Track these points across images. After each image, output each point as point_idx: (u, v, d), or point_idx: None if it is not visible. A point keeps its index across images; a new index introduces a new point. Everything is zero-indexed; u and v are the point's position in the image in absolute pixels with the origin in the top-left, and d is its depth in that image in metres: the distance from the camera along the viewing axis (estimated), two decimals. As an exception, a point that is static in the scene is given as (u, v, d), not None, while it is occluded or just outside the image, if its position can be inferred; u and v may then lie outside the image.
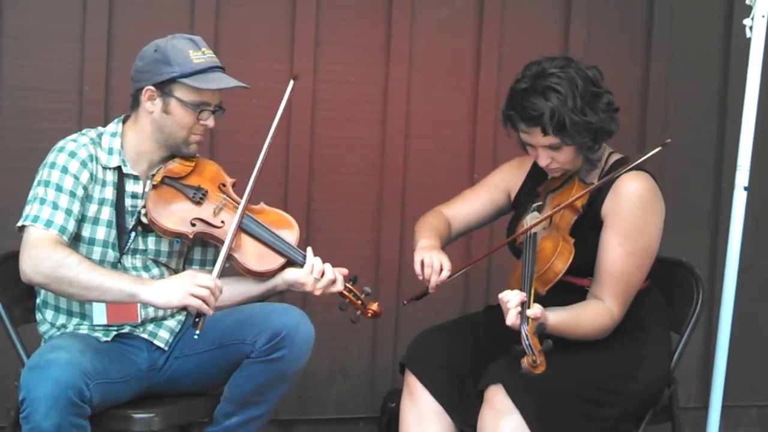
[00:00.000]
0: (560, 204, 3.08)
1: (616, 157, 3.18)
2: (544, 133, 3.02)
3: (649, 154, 3.05)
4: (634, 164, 3.06)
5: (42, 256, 2.89)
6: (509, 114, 3.10)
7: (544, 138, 3.04)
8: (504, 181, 3.36)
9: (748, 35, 3.46)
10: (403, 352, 3.24)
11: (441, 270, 3.09)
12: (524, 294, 2.83)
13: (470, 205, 3.36)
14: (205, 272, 3.05)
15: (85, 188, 3.03)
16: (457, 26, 4.12)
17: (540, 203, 3.18)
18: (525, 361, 2.71)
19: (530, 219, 3.15)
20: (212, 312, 2.91)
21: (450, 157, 4.14)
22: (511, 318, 2.80)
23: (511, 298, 2.82)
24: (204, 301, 2.88)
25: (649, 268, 3.10)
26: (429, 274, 3.09)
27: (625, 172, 3.05)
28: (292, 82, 3.15)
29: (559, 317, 2.92)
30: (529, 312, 2.79)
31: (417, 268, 3.12)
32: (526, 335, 2.74)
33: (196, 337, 2.89)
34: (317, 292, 3.09)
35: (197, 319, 2.89)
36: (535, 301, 2.84)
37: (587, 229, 3.09)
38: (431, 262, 3.10)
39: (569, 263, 2.99)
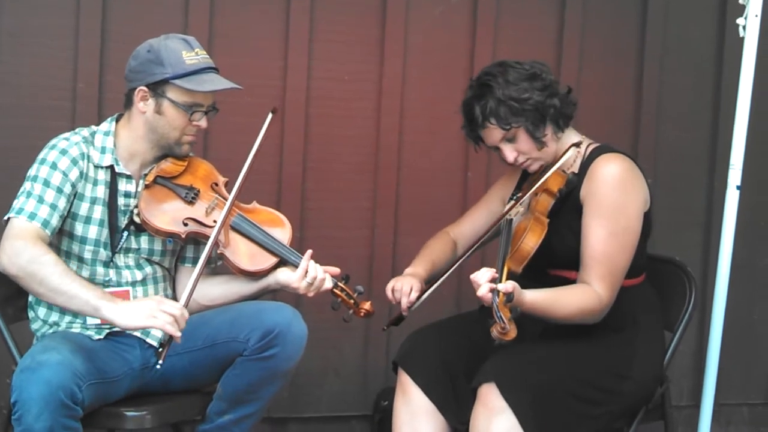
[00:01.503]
0: (537, 189, 3.11)
1: (594, 145, 3.20)
2: (482, 126, 3.10)
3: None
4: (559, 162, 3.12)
5: (20, 247, 2.88)
6: (463, 126, 3.20)
7: (489, 132, 3.11)
8: (499, 192, 3.40)
9: (741, 34, 3.46)
10: (396, 351, 3.25)
11: (411, 292, 3.17)
12: (494, 270, 2.87)
13: (473, 222, 3.41)
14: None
15: (73, 185, 3.03)
16: (452, 24, 4.12)
17: (520, 194, 3.21)
18: (495, 330, 2.75)
19: (507, 207, 3.19)
20: (179, 335, 2.84)
21: (444, 155, 4.14)
22: (482, 291, 2.84)
23: (481, 275, 2.86)
24: (167, 324, 2.83)
25: (633, 249, 3.09)
26: (399, 298, 3.17)
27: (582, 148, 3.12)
28: (270, 116, 3.12)
29: (537, 295, 2.94)
30: (500, 286, 2.82)
31: (388, 294, 3.20)
32: (497, 306, 2.78)
33: (158, 367, 2.86)
34: (309, 294, 3.10)
35: (160, 349, 2.87)
36: (510, 279, 2.88)
37: (571, 216, 3.11)
38: (401, 287, 3.18)
39: (541, 239, 3.02)
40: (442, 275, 3.21)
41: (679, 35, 4.30)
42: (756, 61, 3.46)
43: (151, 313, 2.83)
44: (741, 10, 3.46)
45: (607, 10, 4.27)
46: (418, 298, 3.17)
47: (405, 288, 3.18)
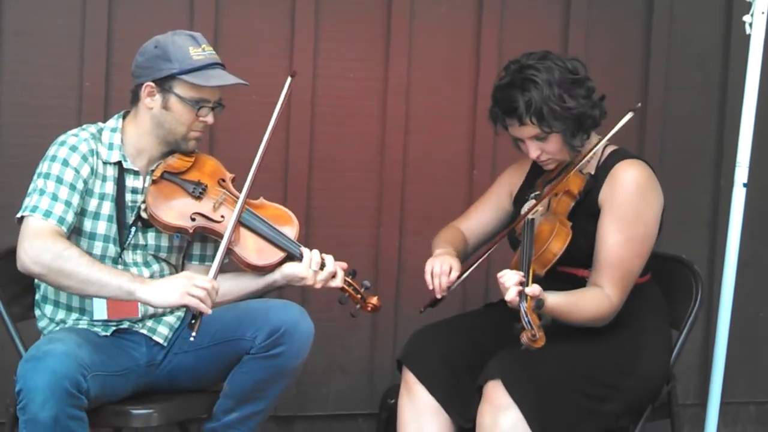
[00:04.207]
0: (557, 190, 3.11)
1: (612, 148, 3.20)
2: (521, 122, 3.07)
3: (622, 122, 3.09)
4: (608, 136, 3.10)
5: (42, 246, 2.89)
6: (493, 111, 3.15)
7: (525, 128, 3.09)
8: (506, 184, 3.39)
9: (747, 32, 3.46)
10: (402, 349, 3.24)
11: (450, 272, 3.13)
12: (522, 273, 2.87)
13: (479, 215, 3.39)
14: (203, 270, 3.07)
15: (85, 182, 3.03)
16: (457, 22, 4.12)
17: (538, 192, 3.21)
18: (524, 336, 2.74)
19: (527, 207, 3.18)
20: (210, 312, 2.90)
21: (449, 153, 4.14)
22: (511, 295, 2.83)
23: (509, 277, 2.86)
24: (201, 300, 2.87)
25: (647, 256, 3.11)
26: (438, 282, 3.13)
27: (600, 145, 3.11)
28: (289, 79, 3.15)
29: (557, 299, 2.94)
30: (527, 290, 2.82)
31: (427, 278, 3.15)
32: (525, 312, 2.78)
33: (192, 338, 2.88)
34: (318, 285, 3.09)
35: (193, 321, 2.89)
36: (533, 282, 2.88)
37: (586, 218, 3.11)
38: (440, 266, 3.14)
39: (566, 244, 3.02)
40: (473, 261, 3.20)
41: (684, 32, 4.28)
42: (762, 58, 3.47)
43: (185, 290, 2.87)
44: (747, 7, 3.46)
45: (613, 8, 4.26)
46: (458, 277, 3.14)
47: (444, 267, 3.14)
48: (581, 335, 3.07)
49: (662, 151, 4.27)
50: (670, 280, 3.33)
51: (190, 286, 2.88)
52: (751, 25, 3.44)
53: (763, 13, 3.42)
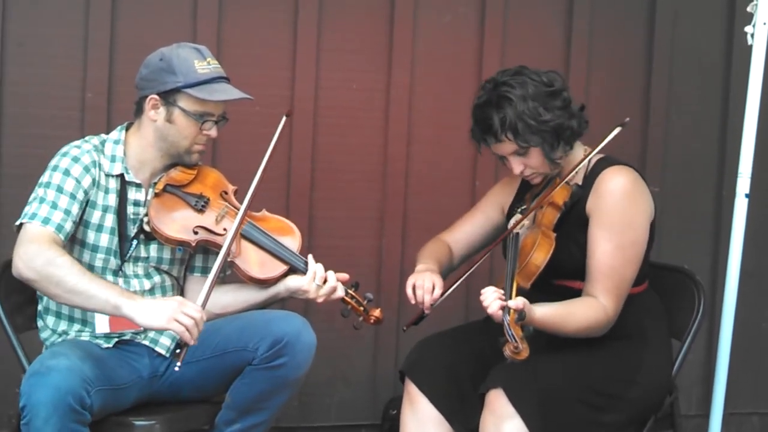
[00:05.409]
0: (542, 203, 3.11)
1: (598, 156, 3.19)
2: (497, 139, 3.08)
3: (610, 137, 3.09)
4: (597, 149, 3.11)
5: (36, 250, 2.87)
6: (473, 130, 3.16)
7: (503, 145, 3.09)
8: (497, 199, 3.39)
9: (749, 42, 3.46)
10: (405, 360, 3.24)
11: (433, 289, 3.13)
12: (501, 291, 2.87)
13: (468, 228, 3.39)
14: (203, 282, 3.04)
15: (86, 192, 3.03)
16: (459, 33, 4.13)
17: (525, 206, 3.21)
18: (507, 349, 2.75)
19: (513, 221, 3.19)
20: (194, 342, 2.85)
21: (452, 163, 4.14)
22: (493, 308, 2.83)
23: (488, 294, 2.86)
24: (187, 329, 2.83)
25: (639, 262, 3.10)
26: (421, 296, 3.13)
27: (592, 155, 3.11)
28: (284, 119, 3.15)
29: (547, 310, 2.94)
30: (511, 303, 2.82)
31: (409, 291, 3.16)
32: (508, 325, 2.78)
33: (177, 368, 2.84)
34: (320, 299, 3.10)
35: (178, 350, 2.86)
36: (518, 295, 2.87)
37: (576, 229, 3.10)
38: (422, 283, 3.14)
39: (550, 255, 3.02)
40: (458, 276, 3.19)
41: (686, 43, 4.30)
42: (764, 69, 3.46)
43: (172, 316, 2.83)
44: (749, 18, 3.46)
45: (615, 19, 4.27)
46: (441, 294, 3.14)
47: (427, 285, 3.13)
48: (583, 345, 3.06)
49: (664, 161, 4.28)
50: (673, 290, 3.33)
51: (178, 313, 2.83)
52: (752, 35, 3.45)
53: (764, 23, 3.42)
